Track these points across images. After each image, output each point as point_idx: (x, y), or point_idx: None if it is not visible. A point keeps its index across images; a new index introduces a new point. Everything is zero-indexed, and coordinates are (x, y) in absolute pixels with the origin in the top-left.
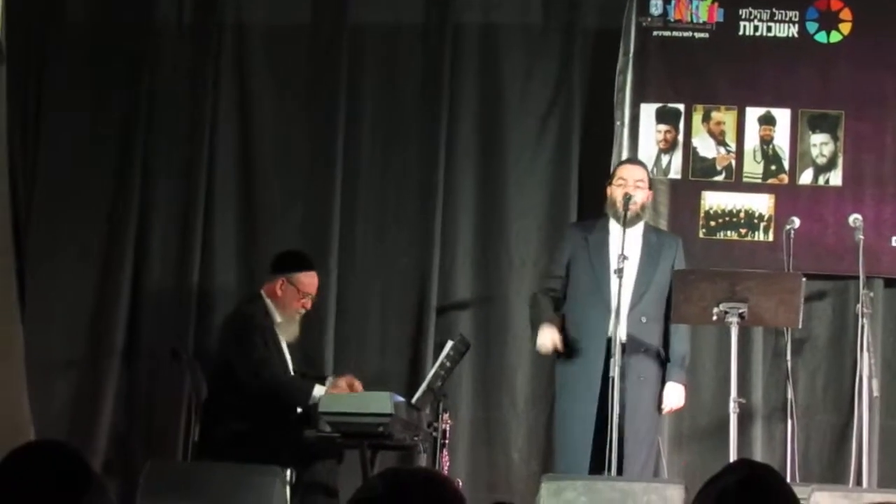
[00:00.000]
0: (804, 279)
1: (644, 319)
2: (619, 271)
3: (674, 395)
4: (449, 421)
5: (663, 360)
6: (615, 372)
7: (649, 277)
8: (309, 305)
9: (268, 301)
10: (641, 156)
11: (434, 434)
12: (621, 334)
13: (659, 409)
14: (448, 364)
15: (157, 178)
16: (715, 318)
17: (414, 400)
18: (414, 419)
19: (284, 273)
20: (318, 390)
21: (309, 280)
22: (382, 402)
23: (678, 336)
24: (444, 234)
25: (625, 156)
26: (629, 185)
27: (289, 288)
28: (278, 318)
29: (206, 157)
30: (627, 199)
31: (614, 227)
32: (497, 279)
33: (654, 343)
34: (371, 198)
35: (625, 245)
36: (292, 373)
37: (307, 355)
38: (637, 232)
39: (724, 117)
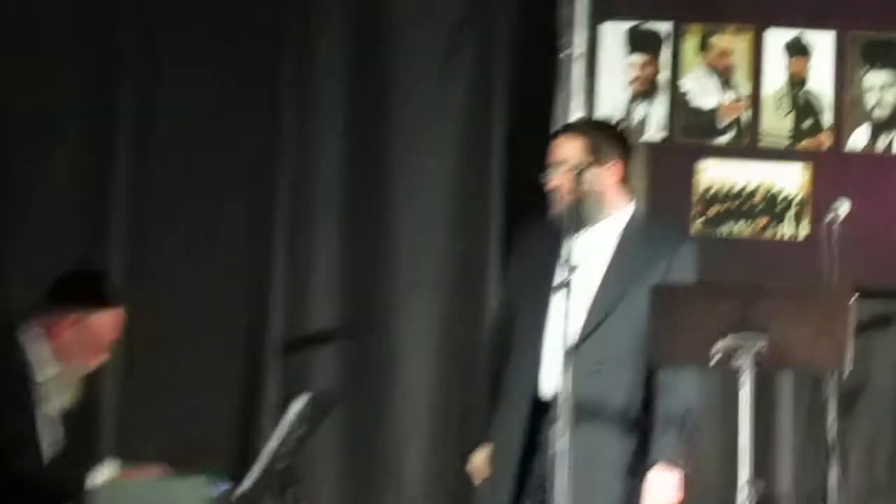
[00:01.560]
0: (856, 297)
1: (597, 366)
2: (561, 288)
3: (661, 490)
4: None
5: (641, 431)
6: (552, 450)
7: (616, 296)
8: (106, 357)
9: (36, 344)
10: (604, 105)
11: None
12: (561, 389)
13: None
14: (300, 431)
15: None
16: (717, 358)
17: (245, 488)
18: None
19: (79, 307)
20: (99, 476)
21: (114, 321)
22: (194, 492)
23: (672, 386)
24: (291, 234)
25: (575, 109)
26: (553, 172)
27: (83, 330)
28: (50, 371)
29: None
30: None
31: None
32: (376, 303)
33: (620, 402)
34: (169, 182)
35: (570, 252)
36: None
37: (78, 419)
38: (609, 229)
39: (733, 44)
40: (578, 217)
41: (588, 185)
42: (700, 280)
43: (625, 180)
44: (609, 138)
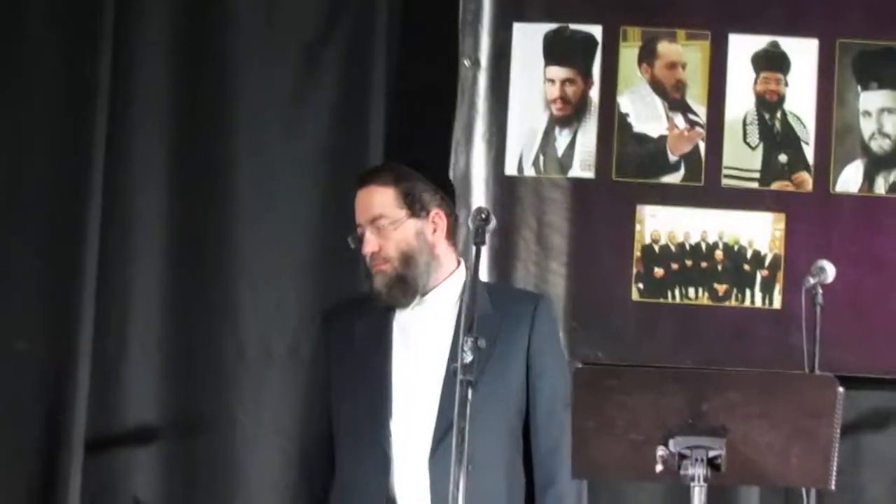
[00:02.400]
0: (841, 389)
1: (469, 465)
2: (463, 370)
3: None
4: None
5: None
6: None
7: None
8: None
9: None
10: (516, 134)
11: None
12: (418, 501)
13: None
14: None
15: None
16: (660, 467)
17: None
18: None
19: None
20: None
21: None
22: None
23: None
24: (105, 285)
25: (479, 140)
26: (366, 230)
27: None
28: None
29: None
30: (481, 220)
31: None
32: (209, 377)
33: None
34: None
35: (471, 316)
36: None
37: None
38: (446, 299)
39: (685, 53)
40: (406, 287)
41: (414, 245)
42: (634, 364)
43: (450, 237)
44: (425, 184)
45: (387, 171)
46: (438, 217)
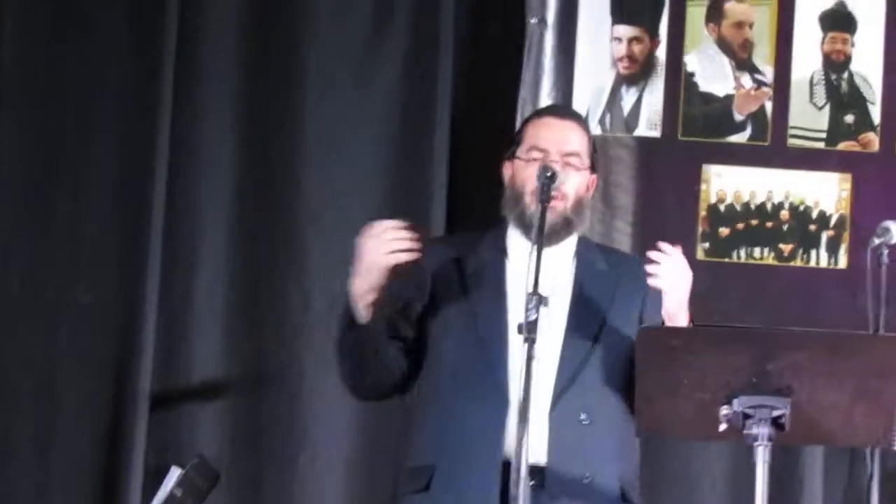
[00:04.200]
0: None
1: (585, 418)
2: (528, 327)
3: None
4: None
5: None
6: None
7: (591, 339)
8: None
9: None
10: (582, 92)
11: None
12: (534, 452)
13: None
14: None
15: None
16: (724, 426)
17: None
18: None
19: None
20: None
21: None
22: None
23: None
24: (171, 238)
25: (546, 98)
26: (552, 158)
27: None
28: None
29: None
30: (547, 182)
31: (520, 243)
32: (275, 331)
33: (610, 469)
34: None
35: (539, 277)
36: None
37: None
38: (565, 253)
39: (752, 13)
40: (567, 231)
41: (584, 195)
42: (699, 324)
43: None
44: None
45: (581, 118)
46: (594, 181)
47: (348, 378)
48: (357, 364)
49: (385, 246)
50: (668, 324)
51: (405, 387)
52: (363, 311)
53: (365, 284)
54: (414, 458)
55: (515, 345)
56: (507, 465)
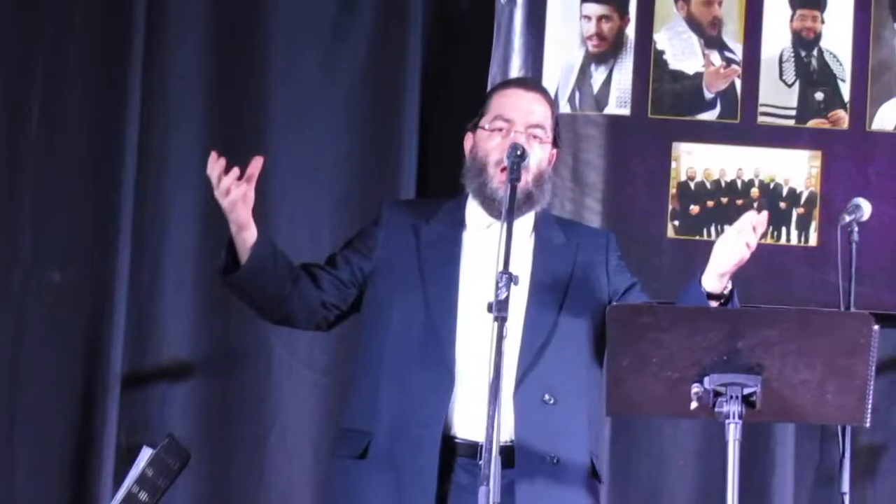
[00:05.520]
0: (877, 327)
1: (549, 398)
2: (498, 306)
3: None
4: None
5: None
6: None
7: (554, 315)
8: None
9: None
10: (551, 70)
11: None
12: (503, 432)
13: None
14: (145, 496)
15: None
16: (695, 404)
17: None
18: None
19: None
20: None
21: None
22: None
23: None
24: (141, 219)
25: (515, 71)
26: (517, 129)
27: None
28: None
29: None
30: (517, 160)
31: (479, 215)
32: (244, 311)
33: (579, 446)
34: None
35: (507, 253)
36: None
37: None
38: (524, 229)
39: None
40: (529, 204)
41: (545, 169)
42: (670, 302)
43: None
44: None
45: (547, 92)
46: (555, 155)
47: (256, 313)
48: (250, 301)
49: (221, 192)
50: (722, 281)
51: (331, 322)
52: (243, 252)
53: (233, 226)
54: (351, 421)
55: (465, 319)
56: (447, 441)
